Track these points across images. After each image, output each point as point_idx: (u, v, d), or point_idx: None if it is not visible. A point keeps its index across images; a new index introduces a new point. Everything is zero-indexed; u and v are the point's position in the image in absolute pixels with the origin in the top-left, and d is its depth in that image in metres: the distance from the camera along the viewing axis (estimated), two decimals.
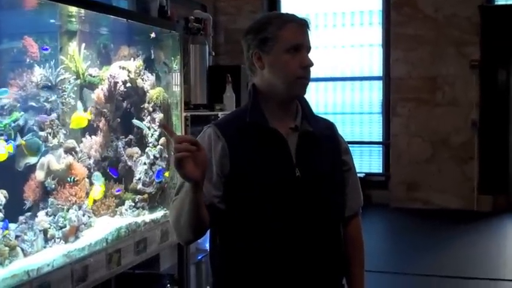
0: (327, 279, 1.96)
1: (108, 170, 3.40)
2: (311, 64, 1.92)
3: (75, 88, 3.13)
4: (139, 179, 3.52)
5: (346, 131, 8.73)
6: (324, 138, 2.00)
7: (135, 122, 3.52)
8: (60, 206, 2.87)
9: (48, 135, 2.86)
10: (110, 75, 3.41)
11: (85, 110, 3.18)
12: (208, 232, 1.98)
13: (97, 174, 3.19)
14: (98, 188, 3.18)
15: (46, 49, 2.87)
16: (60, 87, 2.96)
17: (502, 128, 8.07)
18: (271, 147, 1.90)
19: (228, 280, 1.95)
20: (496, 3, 8.28)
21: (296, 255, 1.87)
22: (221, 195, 1.87)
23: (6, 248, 2.51)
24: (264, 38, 1.92)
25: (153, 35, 3.62)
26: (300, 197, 1.88)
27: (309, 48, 1.95)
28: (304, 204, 1.88)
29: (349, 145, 2.15)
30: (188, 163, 1.65)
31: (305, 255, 1.88)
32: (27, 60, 2.80)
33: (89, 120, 3.20)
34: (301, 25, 1.94)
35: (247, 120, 1.93)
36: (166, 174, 3.60)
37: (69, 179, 2.93)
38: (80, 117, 3.09)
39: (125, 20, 3.32)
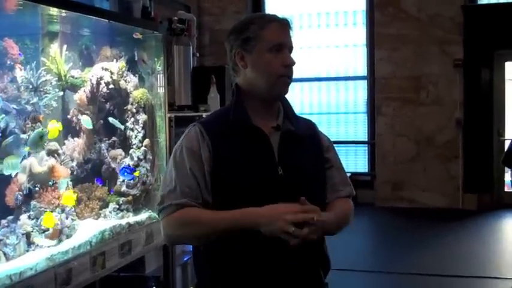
0: (310, 277, 1.96)
1: (95, 180, 3.38)
2: (293, 63, 1.93)
3: (57, 90, 3.10)
4: (123, 181, 3.49)
5: (331, 131, 8.74)
6: (305, 138, 2.01)
7: (111, 120, 3.47)
8: (43, 209, 2.85)
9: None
10: (92, 77, 3.38)
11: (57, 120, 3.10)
12: None
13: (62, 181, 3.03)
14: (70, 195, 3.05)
15: (21, 54, 2.83)
16: (41, 89, 2.93)
17: (486, 126, 8.12)
18: (254, 145, 1.90)
19: (212, 280, 1.94)
20: (478, 3, 8.33)
21: (279, 253, 1.86)
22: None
23: None
24: (246, 37, 1.93)
25: (136, 35, 3.58)
26: (282, 195, 1.87)
27: (291, 48, 1.96)
28: (286, 202, 1.87)
29: (334, 145, 2.16)
30: None
31: (288, 253, 1.87)
32: (8, 62, 2.77)
33: (59, 131, 3.10)
34: (283, 25, 1.95)
35: (230, 118, 1.93)
36: (137, 173, 3.56)
37: (50, 182, 2.89)
38: (55, 128, 3.03)
39: (107, 21, 3.30)
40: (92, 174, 3.42)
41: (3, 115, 2.71)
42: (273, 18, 1.95)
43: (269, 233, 1.76)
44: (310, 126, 2.11)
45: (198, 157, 1.88)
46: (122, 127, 3.52)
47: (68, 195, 3.00)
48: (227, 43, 1.99)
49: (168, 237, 1.93)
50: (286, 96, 2.06)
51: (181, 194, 1.86)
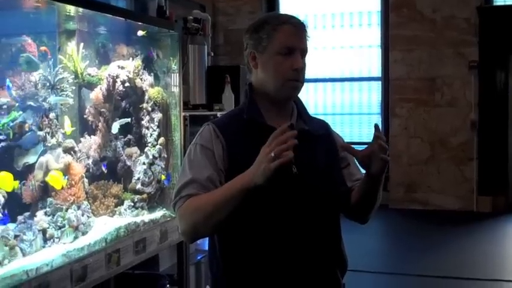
0: (327, 278, 1.96)
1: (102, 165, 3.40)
2: (302, 67, 1.91)
3: (74, 87, 3.13)
4: (139, 178, 3.50)
5: (345, 132, 8.73)
6: (319, 137, 2.01)
7: (118, 122, 3.47)
8: (59, 205, 2.86)
9: (47, 134, 2.86)
10: (109, 75, 3.40)
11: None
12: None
13: None
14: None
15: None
16: (58, 87, 2.95)
17: (501, 128, 8.07)
18: None
19: (228, 282, 1.94)
20: (494, 4, 8.28)
21: (295, 252, 1.87)
22: None
23: (5, 248, 2.50)
24: (259, 37, 1.93)
25: (140, 33, 3.58)
26: (297, 194, 1.87)
27: (304, 51, 1.93)
28: (302, 201, 1.88)
29: None
30: None
31: (303, 251, 1.88)
32: None
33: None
34: (297, 28, 1.93)
35: (244, 117, 1.93)
36: (163, 177, 3.61)
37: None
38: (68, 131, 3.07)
39: (123, 19, 3.31)
40: (107, 172, 3.44)
41: (21, 112, 2.74)
42: (287, 20, 1.93)
43: (262, 176, 1.67)
44: (324, 125, 2.11)
45: (211, 154, 1.89)
46: (128, 120, 3.51)
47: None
48: (244, 41, 2.00)
49: (183, 232, 1.88)
50: (300, 96, 2.06)
51: (193, 187, 1.84)
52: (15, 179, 2.69)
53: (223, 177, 1.87)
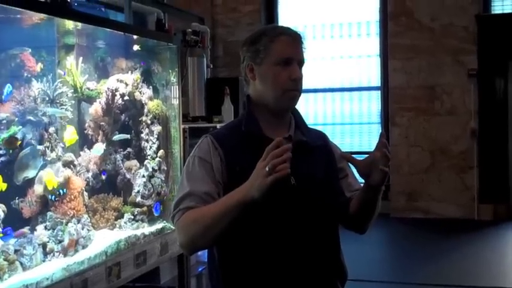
0: (326, 287, 1.96)
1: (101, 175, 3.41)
2: (300, 77, 1.93)
3: (73, 102, 3.14)
4: (138, 191, 3.51)
5: (345, 142, 8.72)
6: (317, 148, 2.02)
7: (117, 137, 3.48)
8: (59, 219, 2.87)
9: (46, 149, 2.87)
10: (108, 89, 3.42)
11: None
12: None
13: None
14: None
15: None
16: (58, 101, 2.97)
17: (501, 136, 8.06)
18: None
19: None
20: (492, 12, 8.31)
21: (294, 263, 1.87)
22: None
23: (5, 262, 2.51)
24: (256, 49, 1.94)
25: (135, 47, 3.60)
26: (296, 205, 1.88)
27: (301, 62, 1.95)
28: (300, 212, 1.89)
29: None
30: None
31: (303, 262, 1.88)
32: (25, 74, 2.81)
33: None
34: (294, 38, 1.95)
35: (242, 129, 1.94)
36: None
37: (61, 191, 2.90)
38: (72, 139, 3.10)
39: (122, 33, 3.33)
40: (107, 185, 3.45)
41: (20, 127, 2.75)
42: (285, 32, 1.95)
43: (259, 191, 1.68)
44: (321, 136, 2.12)
45: (209, 166, 1.90)
46: (128, 136, 3.54)
47: None
48: (241, 54, 2.01)
49: (182, 244, 1.89)
50: (299, 107, 2.07)
51: (191, 200, 1.85)
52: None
53: (222, 189, 1.88)
